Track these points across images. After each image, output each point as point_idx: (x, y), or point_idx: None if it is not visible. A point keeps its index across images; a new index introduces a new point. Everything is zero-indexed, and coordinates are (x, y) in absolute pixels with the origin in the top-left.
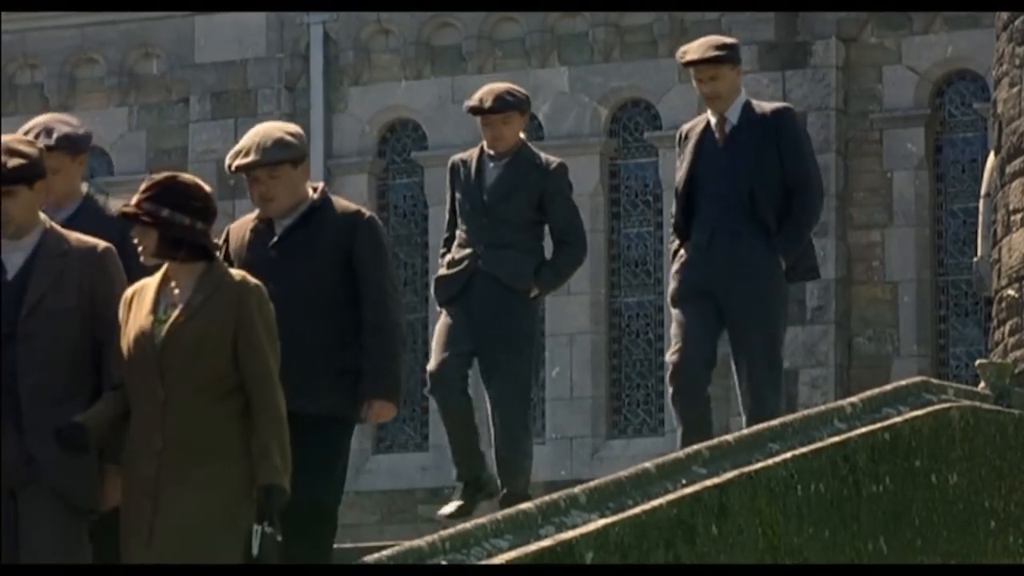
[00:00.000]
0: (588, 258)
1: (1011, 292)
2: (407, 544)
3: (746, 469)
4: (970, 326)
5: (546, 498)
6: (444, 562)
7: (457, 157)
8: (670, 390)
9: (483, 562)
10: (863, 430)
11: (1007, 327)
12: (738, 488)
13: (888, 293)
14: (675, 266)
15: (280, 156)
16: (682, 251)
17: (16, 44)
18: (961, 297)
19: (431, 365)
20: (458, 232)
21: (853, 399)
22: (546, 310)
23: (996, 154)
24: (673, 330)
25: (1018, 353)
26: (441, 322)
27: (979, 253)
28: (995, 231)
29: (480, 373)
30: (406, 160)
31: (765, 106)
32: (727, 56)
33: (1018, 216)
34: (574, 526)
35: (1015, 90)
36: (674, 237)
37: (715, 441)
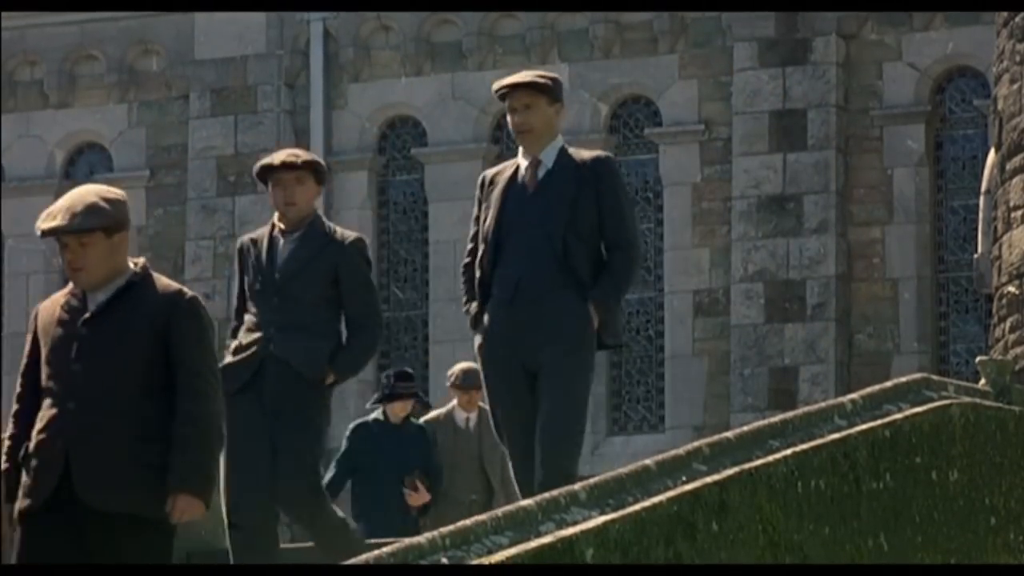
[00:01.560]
0: None
1: (1011, 289)
2: (407, 541)
3: (746, 466)
4: (970, 323)
5: (546, 495)
6: (444, 559)
7: (247, 237)
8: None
9: (483, 559)
10: (863, 427)
11: (1007, 324)
12: (738, 485)
13: (888, 290)
14: (477, 337)
15: (90, 223)
16: (484, 313)
17: (16, 41)
18: (961, 294)
19: (232, 494)
20: (247, 316)
21: (853, 396)
22: None
23: (996, 151)
24: (489, 403)
25: (1019, 350)
26: (230, 416)
27: (979, 250)
28: (995, 228)
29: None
30: (406, 157)
31: (583, 153)
32: (546, 87)
33: (1018, 213)
34: (574, 523)
35: (1015, 87)
36: (466, 299)
37: (716, 438)
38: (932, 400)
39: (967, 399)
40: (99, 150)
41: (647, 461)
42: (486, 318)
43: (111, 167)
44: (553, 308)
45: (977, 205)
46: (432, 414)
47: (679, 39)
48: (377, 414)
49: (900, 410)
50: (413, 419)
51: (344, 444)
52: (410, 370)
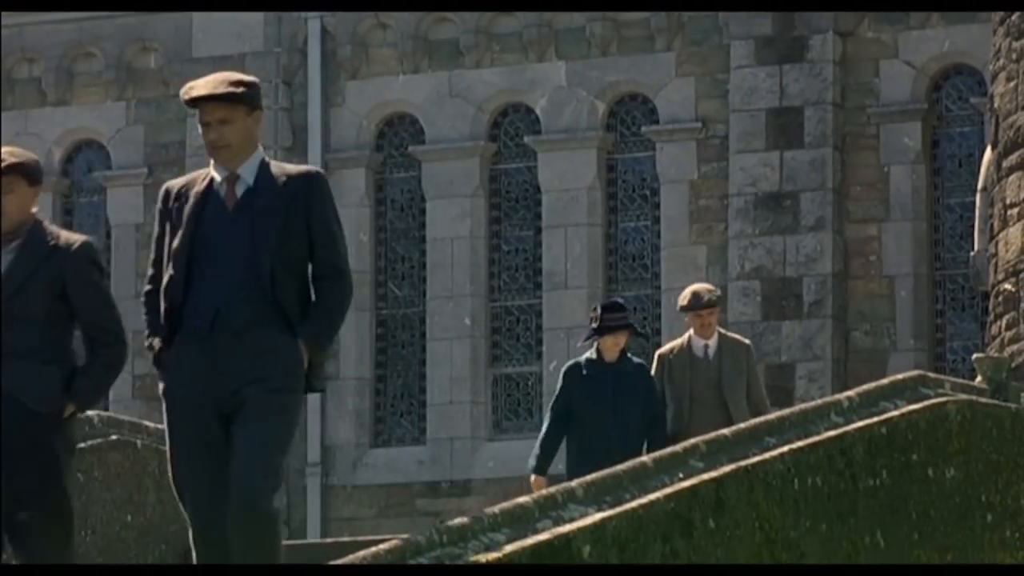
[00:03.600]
0: (586, 252)
1: (1008, 286)
2: (404, 538)
3: (743, 463)
4: (967, 320)
5: (543, 492)
6: (443, 556)
7: None
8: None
9: (481, 555)
10: (860, 424)
11: (1004, 321)
12: (735, 482)
13: (885, 287)
14: (161, 382)
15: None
16: (173, 347)
17: (14, 38)
18: (958, 291)
19: None
20: None
21: (850, 393)
22: (543, 304)
23: (993, 148)
24: (169, 456)
25: (1015, 347)
26: None
27: (976, 247)
28: (992, 225)
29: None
30: (403, 154)
31: (289, 168)
32: (244, 95)
33: (1015, 210)
34: (571, 520)
35: (1012, 84)
36: (148, 332)
37: (712, 435)
38: (928, 397)
39: (963, 396)
40: (97, 148)
41: (644, 458)
42: (175, 353)
43: (109, 164)
44: (257, 344)
45: (973, 203)
46: (667, 346)
47: (676, 37)
48: (590, 352)
49: (896, 407)
50: (632, 356)
51: (557, 388)
52: (621, 300)
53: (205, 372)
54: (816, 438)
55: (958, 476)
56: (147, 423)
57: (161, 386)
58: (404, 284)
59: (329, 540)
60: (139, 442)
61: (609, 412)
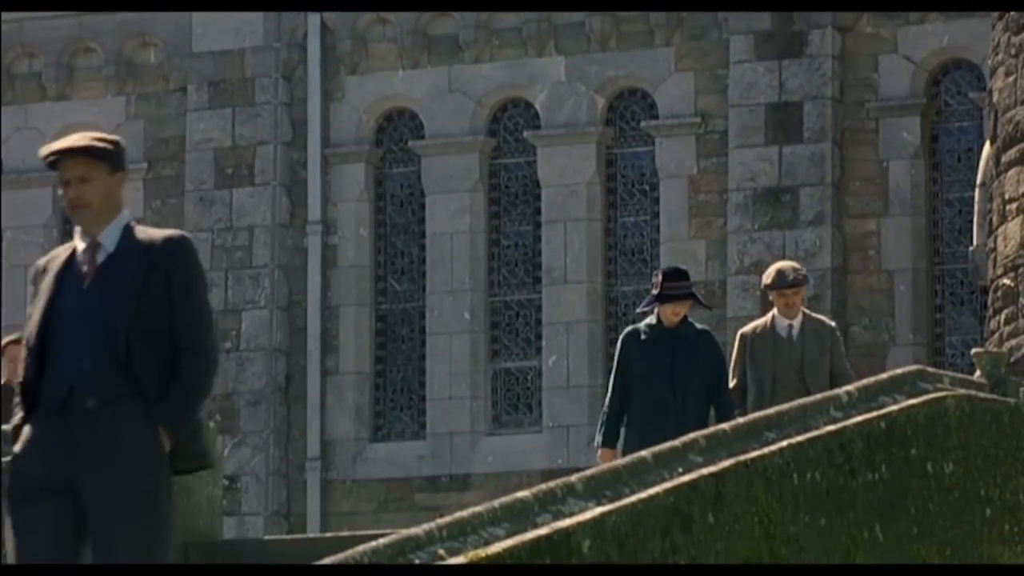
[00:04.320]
0: (585, 247)
1: (1007, 281)
2: (404, 532)
3: (742, 457)
4: (966, 315)
5: (543, 486)
6: (441, 550)
7: None
8: None
9: (480, 550)
10: (859, 419)
11: (1003, 316)
12: (734, 477)
13: (884, 282)
14: (16, 449)
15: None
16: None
17: (14, 34)
18: (957, 286)
19: None
20: None
21: (849, 388)
22: (543, 299)
23: (992, 143)
24: (13, 544)
25: (1014, 342)
26: None
27: (975, 242)
28: (991, 220)
29: None
30: (403, 149)
31: (153, 233)
32: (106, 152)
33: (1014, 205)
34: (571, 514)
35: (1011, 79)
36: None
37: (711, 430)
38: (927, 392)
39: (962, 391)
40: None
41: (644, 453)
42: (30, 429)
43: None
44: (111, 425)
45: (972, 197)
46: (750, 325)
47: (675, 32)
48: (650, 319)
49: (896, 402)
50: (695, 323)
51: (616, 357)
52: (684, 267)
53: (56, 453)
54: (815, 433)
55: (957, 471)
56: None
57: (8, 460)
58: (404, 279)
59: (329, 535)
60: None
61: (667, 380)
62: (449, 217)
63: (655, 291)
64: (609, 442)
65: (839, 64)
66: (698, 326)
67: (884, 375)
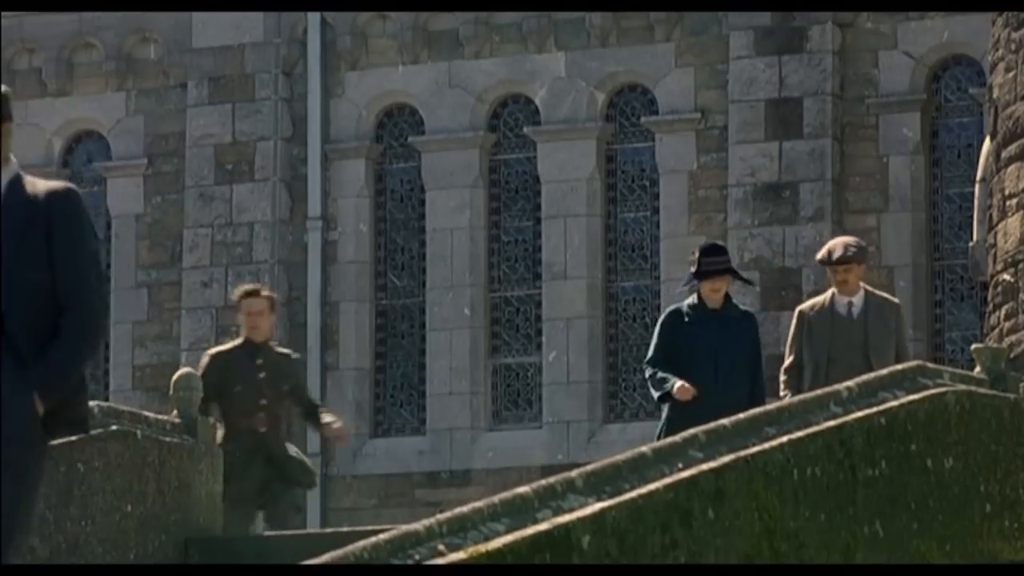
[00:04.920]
0: (585, 242)
1: (1007, 276)
2: (404, 528)
3: (742, 453)
4: (966, 311)
5: (543, 482)
6: (441, 546)
7: None
8: None
9: (480, 546)
10: (859, 414)
11: (1003, 311)
12: (734, 472)
13: (884, 278)
14: None
15: None
16: None
17: (14, 29)
18: (957, 282)
19: None
20: None
21: (849, 383)
22: (543, 294)
23: (992, 139)
24: None
25: (1013, 337)
26: None
27: (975, 238)
28: (991, 216)
29: None
30: (403, 145)
31: (40, 185)
32: None
33: (1014, 201)
34: (571, 510)
35: (1011, 75)
36: None
37: (712, 425)
38: (927, 387)
39: (962, 386)
40: (97, 138)
41: (643, 448)
42: None
43: (109, 155)
44: None
45: (972, 193)
46: (809, 302)
47: (675, 27)
48: (692, 299)
49: (896, 397)
50: (739, 305)
51: (655, 338)
52: (721, 243)
53: None
54: (815, 428)
55: (957, 466)
56: (147, 413)
57: None
58: (404, 274)
59: (329, 530)
60: (139, 432)
61: (710, 362)
62: (449, 213)
63: (692, 269)
64: (665, 382)
65: (839, 60)
66: (742, 308)
67: (884, 371)
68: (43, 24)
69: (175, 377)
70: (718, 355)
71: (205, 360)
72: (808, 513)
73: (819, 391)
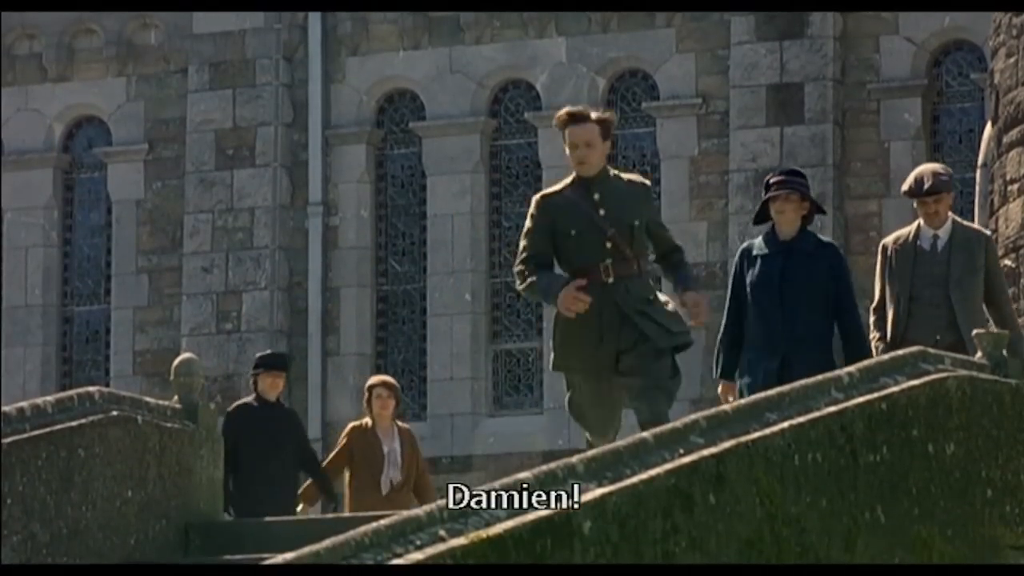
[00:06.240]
0: None
1: (1008, 262)
2: (405, 513)
3: (743, 439)
4: None
5: (544, 468)
6: (442, 532)
7: None
8: None
9: (481, 531)
10: (860, 400)
11: None
12: (735, 458)
13: None
14: None
15: None
16: None
17: (15, 15)
18: None
19: None
20: None
21: (850, 369)
22: None
23: (993, 124)
24: None
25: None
26: None
27: (976, 223)
28: (992, 201)
29: None
30: (404, 130)
31: None
32: None
33: (1015, 186)
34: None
35: (1012, 60)
36: None
37: (712, 411)
38: (929, 373)
39: (963, 372)
40: (98, 123)
41: (644, 434)
42: None
43: (110, 141)
44: None
45: (974, 179)
46: (892, 235)
47: (676, 13)
48: (767, 230)
49: (897, 383)
50: (817, 234)
51: (731, 279)
52: (798, 168)
53: None
54: (816, 414)
55: (958, 452)
56: (148, 399)
57: None
58: (404, 260)
59: (331, 516)
60: (140, 418)
61: (776, 300)
62: (450, 198)
63: (764, 196)
64: (727, 374)
65: (840, 45)
66: (821, 238)
67: (885, 356)
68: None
69: (176, 363)
70: (783, 292)
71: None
72: (809, 498)
73: (820, 376)
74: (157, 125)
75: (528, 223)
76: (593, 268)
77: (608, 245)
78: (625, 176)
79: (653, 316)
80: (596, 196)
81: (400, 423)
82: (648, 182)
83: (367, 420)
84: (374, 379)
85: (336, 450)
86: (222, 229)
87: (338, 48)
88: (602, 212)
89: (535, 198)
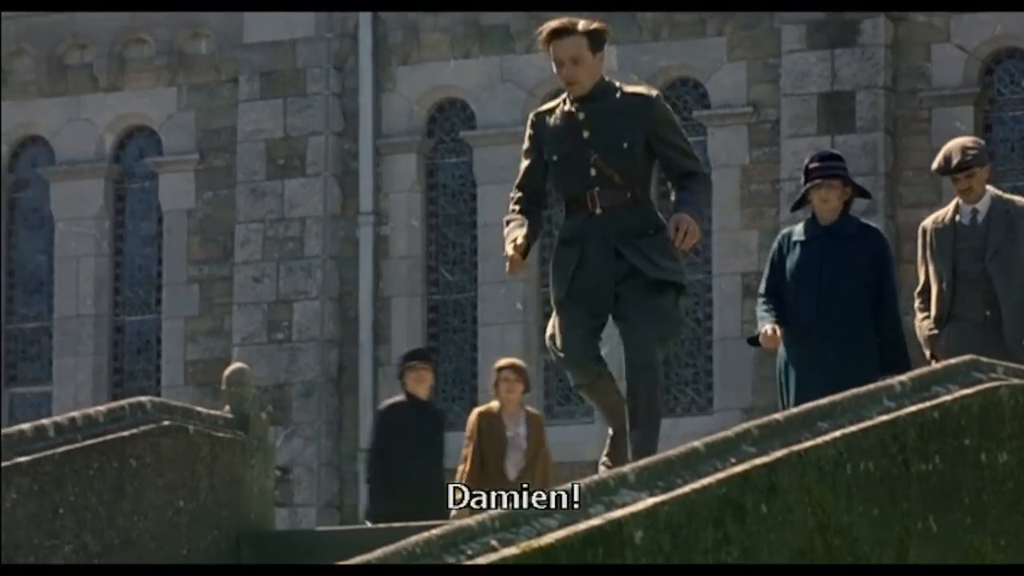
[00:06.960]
0: None
1: None
2: (456, 523)
3: (795, 448)
4: None
5: (595, 477)
6: (494, 541)
7: None
8: None
9: (532, 541)
10: (912, 408)
11: None
12: (787, 467)
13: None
14: None
15: None
16: None
17: (66, 25)
18: None
19: None
20: None
21: (903, 377)
22: None
23: None
24: None
25: None
26: None
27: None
28: None
29: None
30: (455, 139)
31: None
32: None
33: None
34: (623, 505)
35: None
36: None
37: (764, 420)
38: (981, 382)
39: (1016, 380)
40: (148, 133)
41: (696, 443)
42: None
43: (160, 150)
44: None
45: None
46: (931, 216)
47: (727, 21)
48: (808, 216)
49: (949, 392)
50: (860, 219)
51: (767, 265)
52: (836, 151)
53: None
54: (868, 423)
55: (1011, 461)
56: (199, 409)
57: None
58: (455, 269)
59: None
60: (191, 428)
61: (814, 289)
62: (501, 207)
63: (804, 182)
64: (768, 321)
65: (892, 53)
66: (863, 222)
67: (938, 365)
68: (95, 19)
69: (227, 372)
70: (822, 279)
71: None
72: (861, 508)
73: (873, 385)
74: (208, 135)
75: (525, 144)
76: (580, 198)
77: (592, 172)
78: (628, 89)
79: (642, 248)
80: (582, 116)
81: (530, 408)
82: (654, 93)
83: (495, 403)
84: (502, 361)
85: (470, 446)
86: (273, 239)
87: (388, 57)
88: (586, 135)
89: (530, 116)
